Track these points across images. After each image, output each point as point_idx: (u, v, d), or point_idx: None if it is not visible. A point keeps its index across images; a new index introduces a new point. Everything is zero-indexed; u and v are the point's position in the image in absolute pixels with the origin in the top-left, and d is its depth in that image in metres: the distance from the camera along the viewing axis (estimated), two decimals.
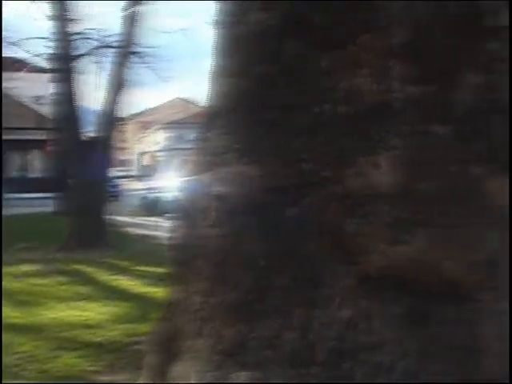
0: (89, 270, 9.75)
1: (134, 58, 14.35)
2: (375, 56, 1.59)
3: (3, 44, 15.49)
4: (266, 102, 1.68)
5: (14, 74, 19.88)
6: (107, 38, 15.73)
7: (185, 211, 1.89)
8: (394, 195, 1.56)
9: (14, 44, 15.74)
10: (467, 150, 1.60)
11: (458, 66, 1.61)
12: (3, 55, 16.43)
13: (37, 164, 34.38)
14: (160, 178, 31.27)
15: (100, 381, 4.52)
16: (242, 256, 1.70)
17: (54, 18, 13.62)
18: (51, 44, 14.25)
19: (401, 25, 1.58)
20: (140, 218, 20.00)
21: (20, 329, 5.93)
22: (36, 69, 19.92)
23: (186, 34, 31.77)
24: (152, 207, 21.48)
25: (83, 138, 14.08)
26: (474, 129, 1.62)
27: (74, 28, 13.87)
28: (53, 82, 14.94)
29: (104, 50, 15.80)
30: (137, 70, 15.10)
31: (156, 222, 16.57)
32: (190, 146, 1.98)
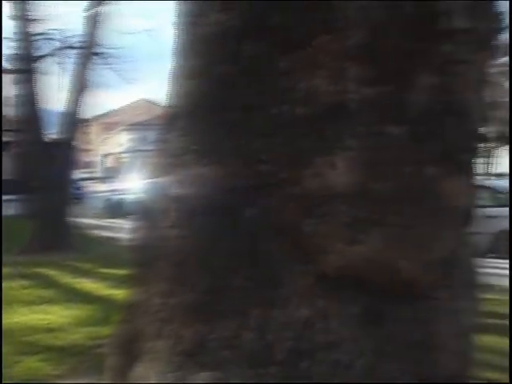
0: (52, 273, 9.64)
1: (97, 59, 14.22)
2: (332, 57, 1.61)
3: None
4: (225, 103, 1.69)
5: None
6: (70, 39, 15.58)
7: (145, 213, 1.89)
8: (350, 195, 1.57)
9: None
10: (422, 151, 1.63)
11: (413, 68, 1.63)
12: None
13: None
14: (124, 179, 31.05)
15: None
16: (201, 257, 1.70)
17: (15, 17, 13.43)
18: (13, 44, 14.07)
19: (357, 26, 1.60)
20: (104, 220, 19.84)
21: None
22: None
23: (150, 35, 31.64)
24: (116, 209, 21.31)
25: (46, 139, 13.92)
26: (429, 130, 1.65)
27: (36, 28, 13.70)
28: (15, 83, 14.74)
29: (67, 50, 15.65)
30: (100, 71, 14.99)
31: (120, 223, 16.46)
32: (153, 148, 1.97)
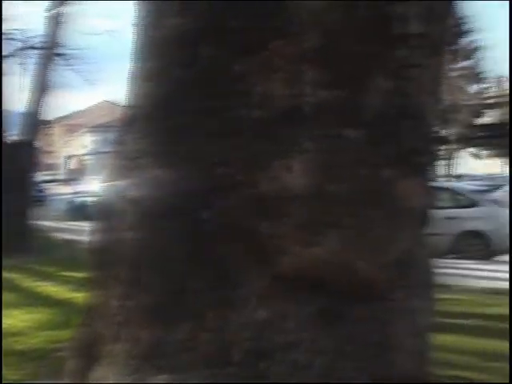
0: (12, 276, 9.50)
1: (59, 60, 14.08)
2: (288, 61, 1.62)
3: None
4: (182, 106, 1.69)
5: None
6: (31, 39, 15.38)
7: (103, 215, 1.88)
8: (307, 198, 1.59)
9: None
10: (378, 154, 1.65)
11: (368, 72, 1.65)
12: None
13: None
14: (87, 181, 30.77)
15: None
16: (158, 259, 1.70)
17: None
18: None
19: (312, 30, 1.62)
20: (66, 222, 19.63)
21: None
22: None
23: (113, 36, 31.32)
24: (79, 211, 21.10)
25: (8, 140, 13.72)
26: (384, 133, 1.67)
27: None
28: None
29: (28, 51, 15.46)
30: (62, 72, 14.82)
31: (82, 226, 16.30)
32: (112, 150, 1.96)
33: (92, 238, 1.94)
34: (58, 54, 13.94)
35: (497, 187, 25.32)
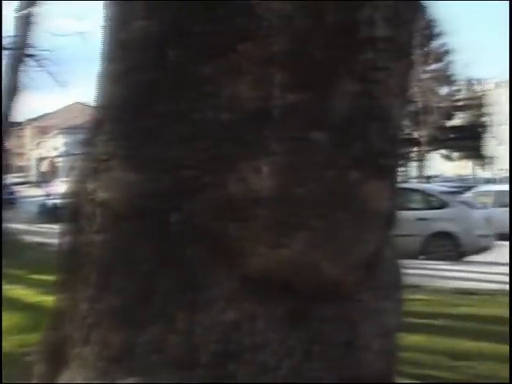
0: None
1: (29, 61, 13.97)
2: (256, 63, 1.63)
3: None
4: (149, 109, 1.69)
5: None
6: (0, 40, 15.23)
7: (71, 218, 1.87)
8: (274, 199, 1.60)
9: None
10: (345, 156, 1.67)
11: (336, 75, 1.67)
12: None
13: None
14: (58, 183, 30.56)
15: None
16: (127, 261, 1.70)
17: None
18: None
19: (281, 34, 1.63)
20: (37, 225, 19.46)
21: None
22: None
23: (84, 37, 31.06)
24: (50, 214, 20.94)
25: None
26: (352, 135, 1.69)
27: None
28: None
29: None
30: (33, 74, 14.71)
31: (53, 229, 16.17)
32: (81, 152, 1.96)
33: (60, 241, 1.93)
34: (28, 55, 13.84)
35: (467, 189, 25.60)
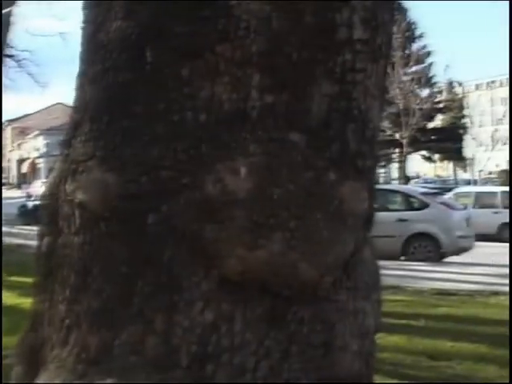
0: None
1: (9, 62, 13.87)
2: (234, 65, 1.64)
3: None
4: (127, 110, 1.69)
5: None
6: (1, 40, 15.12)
7: (49, 219, 1.86)
8: (251, 200, 1.60)
9: None
10: (322, 157, 1.68)
11: (314, 76, 1.68)
12: None
13: None
14: (39, 185, 30.37)
15: None
16: (105, 263, 1.70)
17: None
18: None
19: (259, 35, 1.64)
20: (17, 226, 19.32)
21: None
22: None
23: (64, 38, 30.92)
24: (30, 215, 20.79)
25: None
26: (329, 136, 1.70)
27: None
28: None
29: None
30: (12, 74, 14.61)
31: (34, 230, 16.05)
32: (59, 153, 1.95)
33: (39, 243, 1.92)
34: (8, 56, 13.74)
35: (448, 190, 25.78)
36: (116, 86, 1.71)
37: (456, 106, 49.37)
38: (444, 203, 15.14)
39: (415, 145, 43.16)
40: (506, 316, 7.49)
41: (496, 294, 9.19)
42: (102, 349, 1.67)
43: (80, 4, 1.92)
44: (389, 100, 33.82)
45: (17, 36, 13.25)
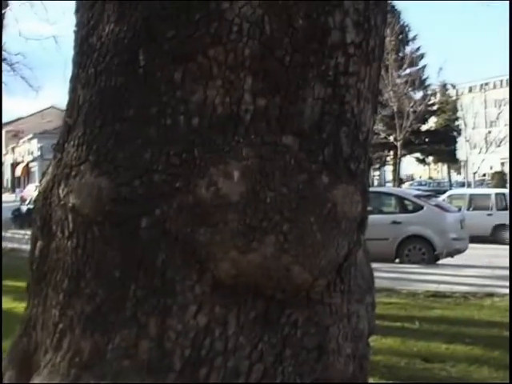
0: None
1: (2, 65, 13.83)
2: (227, 69, 1.64)
3: None
4: (120, 113, 1.69)
5: None
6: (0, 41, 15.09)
7: (43, 223, 1.86)
8: (244, 204, 1.60)
9: None
10: (315, 160, 1.68)
11: (306, 79, 1.68)
12: None
13: None
14: (33, 188, 30.28)
15: None
16: (98, 267, 1.69)
17: None
18: None
19: (251, 38, 1.64)
20: (11, 230, 19.24)
21: None
22: None
23: (58, 41, 30.85)
24: (24, 219, 20.71)
25: None
26: (322, 140, 1.70)
27: None
28: None
29: None
30: (6, 78, 14.58)
31: (28, 234, 16.01)
32: (52, 157, 1.95)
33: (32, 247, 1.92)
34: (1, 59, 13.70)
35: (441, 192, 25.79)
36: (109, 90, 1.71)
37: (450, 108, 49.48)
38: (438, 205, 15.14)
39: (409, 147, 43.20)
40: (500, 318, 7.51)
41: (490, 295, 9.20)
42: (96, 353, 1.67)
43: (72, 7, 1.92)
44: (383, 103, 33.88)
45: (9, 39, 13.31)
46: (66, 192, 1.74)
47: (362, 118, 1.79)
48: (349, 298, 1.82)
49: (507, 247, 14.56)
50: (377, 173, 53.63)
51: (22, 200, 29.45)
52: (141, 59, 1.67)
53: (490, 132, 44.57)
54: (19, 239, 16.01)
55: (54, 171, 1.84)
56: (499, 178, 47.51)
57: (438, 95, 49.17)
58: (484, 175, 58.58)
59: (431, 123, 50.11)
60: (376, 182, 49.57)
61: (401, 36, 40.45)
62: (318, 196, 1.66)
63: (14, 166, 64.89)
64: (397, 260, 13.87)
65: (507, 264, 11.37)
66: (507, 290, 8.92)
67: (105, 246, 1.68)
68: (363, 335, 1.88)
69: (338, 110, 1.73)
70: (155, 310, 1.63)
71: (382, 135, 37.40)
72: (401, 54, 41.09)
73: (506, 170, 55.38)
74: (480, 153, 44.36)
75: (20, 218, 22.20)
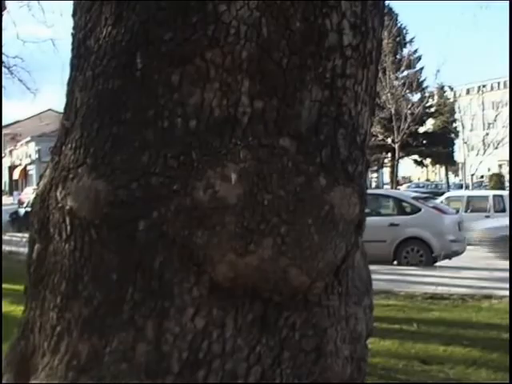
0: None
1: None
2: (224, 71, 1.64)
3: None
4: (117, 116, 1.69)
5: None
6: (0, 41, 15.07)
7: (40, 226, 1.86)
8: (242, 206, 1.60)
9: None
10: (313, 163, 1.68)
11: (303, 82, 1.68)
12: None
13: None
14: (31, 191, 30.25)
15: None
16: (96, 270, 1.69)
17: None
18: None
19: (248, 41, 1.64)
20: (9, 233, 19.21)
21: None
22: None
23: (55, 44, 30.86)
24: (22, 222, 20.70)
25: None
26: (319, 142, 1.70)
27: None
28: None
29: None
30: (3, 81, 14.57)
31: (25, 237, 15.96)
32: (50, 160, 1.95)
33: (29, 250, 1.92)
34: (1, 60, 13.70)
35: (439, 194, 25.80)
36: (106, 93, 1.71)
37: (447, 110, 49.54)
38: (436, 207, 15.15)
39: (407, 149, 43.27)
40: (498, 320, 7.52)
41: (488, 297, 9.21)
42: (93, 356, 1.67)
43: (70, 9, 1.92)
44: (380, 105, 33.92)
45: (7, 42, 13.29)
46: (64, 195, 1.74)
47: (359, 121, 1.79)
48: (347, 300, 1.82)
49: None
50: (374, 175, 53.71)
51: (20, 203, 29.42)
52: (138, 62, 1.67)
53: (487, 134, 44.59)
54: (17, 242, 15.99)
55: (51, 174, 1.84)
56: (497, 180, 47.55)
57: (436, 97, 49.23)
58: (482, 177, 58.65)
59: (429, 125, 50.18)
60: (374, 184, 49.65)
61: (398, 38, 40.50)
62: (316, 198, 1.66)
63: (12, 168, 64.86)
64: (395, 262, 13.87)
65: (505, 266, 11.38)
66: (505, 292, 8.93)
67: (102, 248, 1.68)
68: (361, 337, 1.88)
69: (335, 112, 1.73)
70: (153, 313, 1.63)
71: (380, 137, 37.47)
72: (398, 56, 41.18)
73: (504, 171, 55.50)
74: (478, 155, 44.39)
75: (18, 221, 22.18)
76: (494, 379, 5.10)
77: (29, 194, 30.55)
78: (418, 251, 13.97)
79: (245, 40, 1.64)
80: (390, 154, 44.03)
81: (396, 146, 36.28)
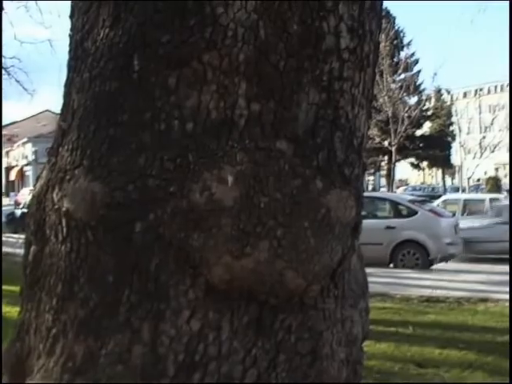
0: None
1: None
2: (221, 73, 1.64)
3: None
4: (114, 118, 1.69)
5: None
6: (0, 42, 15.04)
7: (36, 227, 1.86)
8: (238, 209, 1.60)
9: None
10: (309, 165, 1.68)
11: (300, 85, 1.68)
12: None
13: None
14: (28, 192, 30.21)
15: None
16: (92, 271, 1.69)
17: None
18: None
19: (245, 43, 1.64)
20: (5, 234, 19.18)
21: None
22: None
23: (53, 45, 30.86)
24: (18, 224, 20.67)
25: None
26: (316, 145, 1.70)
27: None
28: None
29: None
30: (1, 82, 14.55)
31: (22, 238, 15.93)
32: (46, 161, 1.94)
33: (25, 251, 1.92)
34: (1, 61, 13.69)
35: (436, 197, 25.83)
36: (103, 95, 1.71)
37: (444, 113, 49.66)
38: (432, 210, 15.18)
39: (403, 152, 43.33)
40: (494, 323, 7.53)
41: (484, 301, 9.22)
42: (89, 358, 1.66)
43: (68, 10, 1.92)
44: (377, 108, 33.96)
45: (4, 43, 13.19)
46: (60, 196, 1.74)
47: (356, 123, 1.80)
48: (342, 303, 1.82)
49: None
50: (371, 178, 53.78)
51: (16, 204, 29.38)
52: (135, 64, 1.67)
53: (484, 137, 44.65)
54: (13, 243, 15.97)
55: (48, 175, 1.83)
56: (493, 184, 47.65)
57: (433, 100, 49.32)
58: (478, 180, 58.74)
59: (426, 128, 50.26)
60: (370, 187, 49.71)
61: (395, 41, 40.56)
62: (312, 201, 1.66)
63: (9, 169, 64.79)
64: (391, 265, 13.89)
65: (501, 269, 11.40)
66: (501, 296, 8.95)
67: (98, 250, 1.68)
68: (357, 340, 1.88)
69: (332, 115, 1.73)
70: (149, 315, 1.63)
71: (377, 140, 37.49)
72: (395, 59, 41.22)
73: (500, 175, 55.55)
74: (474, 158, 44.45)
75: (14, 222, 22.15)
76: (490, 382, 5.11)
77: (25, 195, 30.49)
78: (415, 254, 13.99)
79: (242, 42, 1.64)
80: (386, 157, 44.07)
81: (393, 148, 36.31)
